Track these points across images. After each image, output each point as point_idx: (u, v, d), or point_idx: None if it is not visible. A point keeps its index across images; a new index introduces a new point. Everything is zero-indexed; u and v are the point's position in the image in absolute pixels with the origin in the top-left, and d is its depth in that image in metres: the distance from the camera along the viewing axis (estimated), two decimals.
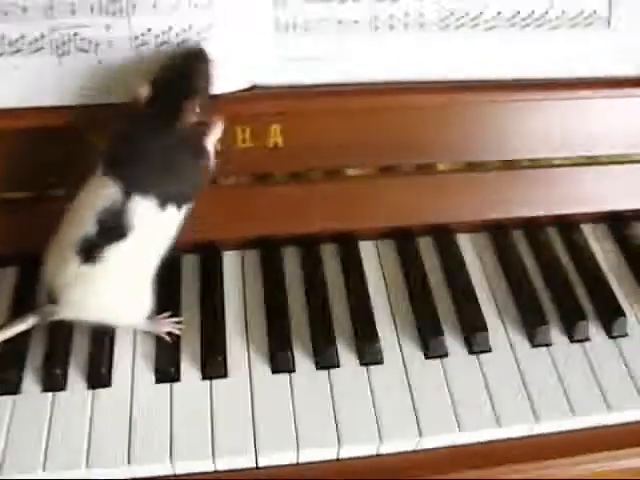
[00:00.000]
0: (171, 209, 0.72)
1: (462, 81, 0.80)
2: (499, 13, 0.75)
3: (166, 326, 0.78)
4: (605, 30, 0.77)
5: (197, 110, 0.72)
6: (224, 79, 0.76)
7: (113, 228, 0.70)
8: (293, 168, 0.83)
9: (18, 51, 0.70)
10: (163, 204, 0.72)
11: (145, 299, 0.75)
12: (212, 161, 0.76)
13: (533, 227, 0.90)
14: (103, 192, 0.71)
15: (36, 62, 0.71)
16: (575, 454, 0.74)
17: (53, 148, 0.77)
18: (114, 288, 0.73)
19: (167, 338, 0.77)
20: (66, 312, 0.73)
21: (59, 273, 0.72)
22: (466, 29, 0.76)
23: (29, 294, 0.82)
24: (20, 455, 0.70)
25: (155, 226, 0.73)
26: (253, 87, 0.78)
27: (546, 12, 0.76)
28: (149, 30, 0.71)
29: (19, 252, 0.84)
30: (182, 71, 0.73)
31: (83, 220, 0.71)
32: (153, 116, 0.72)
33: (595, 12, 0.76)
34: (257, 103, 0.78)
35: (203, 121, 0.74)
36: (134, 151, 0.72)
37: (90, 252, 0.70)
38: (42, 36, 0.70)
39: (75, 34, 0.70)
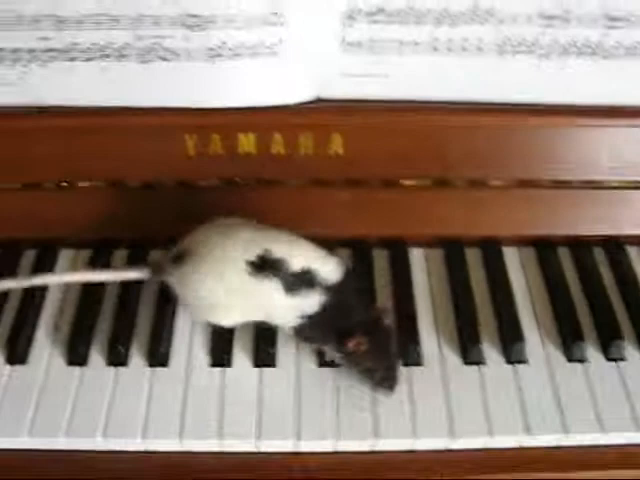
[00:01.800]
0: None
1: (517, 104, 0.84)
2: (555, 40, 0.78)
3: None
4: None
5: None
6: (291, 91, 0.82)
7: None
8: (351, 176, 0.88)
9: (107, 56, 0.77)
10: None
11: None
12: None
13: (579, 245, 0.93)
14: None
15: (122, 67, 0.78)
16: (601, 469, 0.77)
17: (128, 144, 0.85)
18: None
19: None
20: (178, 281, 0.80)
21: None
22: (522, 55, 0.79)
23: None
24: (83, 422, 0.76)
25: None
26: (317, 100, 0.83)
27: (601, 41, 0.78)
28: (224, 43, 0.77)
29: None
30: None
31: None
32: None
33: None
34: (320, 115, 0.83)
35: None
36: None
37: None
38: (128, 44, 0.77)
39: (157, 43, 0.76)
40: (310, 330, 0.79)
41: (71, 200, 0.90)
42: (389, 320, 0.79)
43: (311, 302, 0.76)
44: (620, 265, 0.91)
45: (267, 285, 0.76)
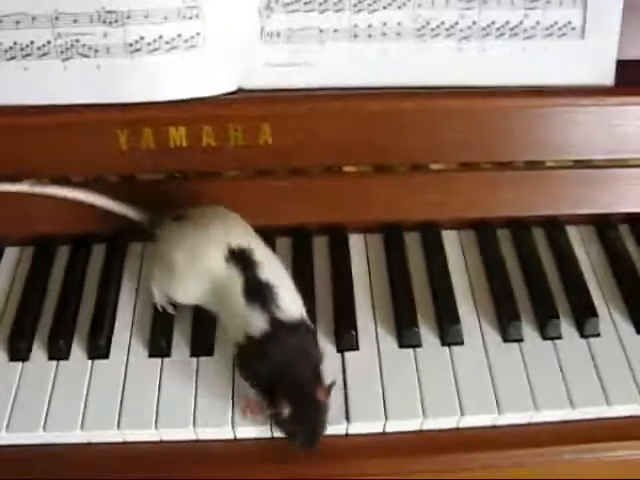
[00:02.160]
0: None
1: (448, 87, 0.84)
2: (474, 23, 0.78)
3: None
4: (579, 40, 0.80)
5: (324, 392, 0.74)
6: (212, 83, 0.82)
7: None
8: (284, 165, 0.89)
9: (28, 55, 0.78)
10: None
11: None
12: None
13: (519, 226, 0.93)
14: None
15: (44, 65, 0.79)
16: (536, 446, 0.78)
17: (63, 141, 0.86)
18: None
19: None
20: (163, 236, 0.82)
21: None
22: (442, 38, 0.80)
23: None
24: (25, 415, 0.78)
25: None
26: (239, 90, 0.84)
27: (521, 22, 0.79)
28: (142, 38, 0.78)
29: None
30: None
31: None
32: None
33: (569, 23, 0.79)
34: (246, 106, 0.84)
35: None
36: None
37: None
38: (48, 42, 0.78)
39: (77, 40, 0.77)
40: (246, 359, 0.77)
41: (15, 197, 0.91)
42: (327, 399, 0.74)
43: (259, 322, 0.75)
44: (559, 245, 0.92)
45: (233, 277, 0.77)
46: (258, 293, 0.76)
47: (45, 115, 0.83)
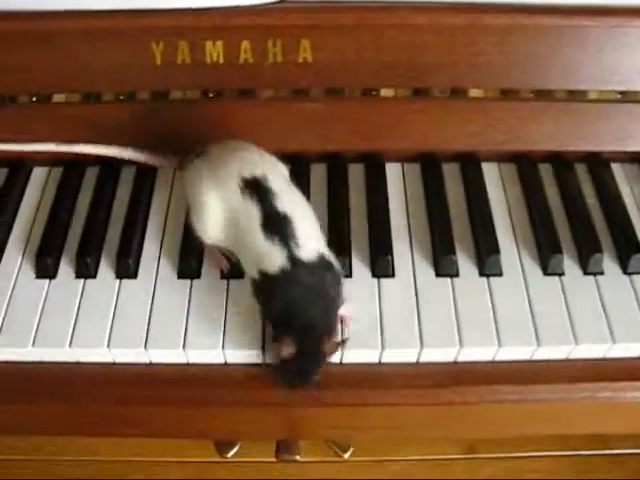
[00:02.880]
0: None
1: (499, 4, 0.81)
2: None
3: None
4: None
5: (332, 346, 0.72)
6: None
7: None
8: (323, 85, 0.85)
9: None
10: None
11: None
12: None
13: (561, 161, 0.90)
14: None
15: None
16: (574, 382, 0.76)
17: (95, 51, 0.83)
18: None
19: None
20: (186, 176, 0.79)
21: None
22: None
23: None
24: (51, 332, 0.76)
25: None
26: (282, 1, 0.80)
27: None
28: None
29: None
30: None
31: None
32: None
33: None
34: (285, 15, 0.80)
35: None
36: None
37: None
38: None
39: None
40: (260, 295, 0.74)
41: (46, 116, 0.88)
42: (333, 352, 0.72)
43: (275, 257, 0.72)
44: (603, 181, 0.89)
45: (249, 208, 0.74)
46: (276, 226, 0.73)
47: (76, 20, 0.81)
